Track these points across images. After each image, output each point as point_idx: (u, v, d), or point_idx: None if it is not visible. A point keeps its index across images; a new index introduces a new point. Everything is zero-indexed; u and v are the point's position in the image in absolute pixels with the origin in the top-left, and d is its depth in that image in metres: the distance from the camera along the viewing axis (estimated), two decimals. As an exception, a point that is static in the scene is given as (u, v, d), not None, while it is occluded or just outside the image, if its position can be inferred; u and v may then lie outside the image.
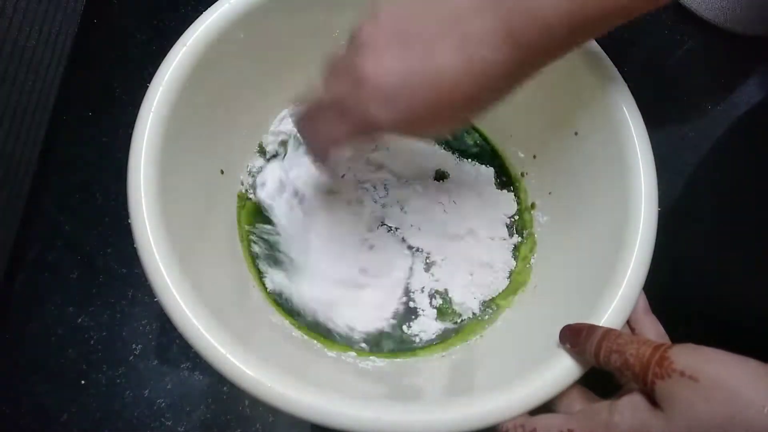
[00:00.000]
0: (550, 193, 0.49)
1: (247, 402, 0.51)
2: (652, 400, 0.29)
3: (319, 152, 0.40)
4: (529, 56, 0.32)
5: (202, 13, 0.41)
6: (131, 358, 0.51)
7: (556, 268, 0.46)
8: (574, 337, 0.34)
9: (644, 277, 0.37)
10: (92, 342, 0.52)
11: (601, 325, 0.35)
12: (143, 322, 0.52)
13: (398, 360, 0.45)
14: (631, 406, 0.30)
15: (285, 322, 0.46)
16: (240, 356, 0.33)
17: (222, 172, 0.46)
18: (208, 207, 0.45)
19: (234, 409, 0.50)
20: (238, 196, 0.49)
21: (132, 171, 0.36)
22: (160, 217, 0.36)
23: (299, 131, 0.41)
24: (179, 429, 0.50)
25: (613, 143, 0.41)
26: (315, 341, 0.45)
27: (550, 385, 0.34)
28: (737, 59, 0.68)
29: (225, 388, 0.51)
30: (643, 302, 0.38)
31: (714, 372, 0.26)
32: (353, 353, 0.45)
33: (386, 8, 0.34)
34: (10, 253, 0.53)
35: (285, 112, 0.51)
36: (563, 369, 0.34)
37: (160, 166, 0.37)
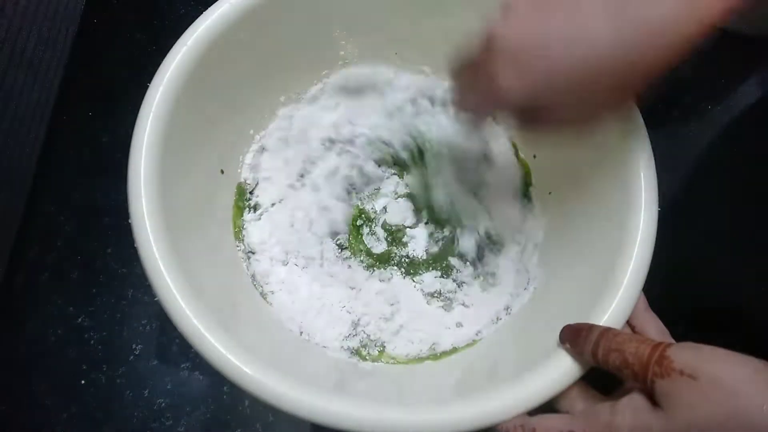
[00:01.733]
0: (550, 193, 0.49)
1: (247, 402, 0.50)
2: (652, 399, 0.29)
3: (466, 120, 0.38)
4: (704, 26, 0.27)
5: (202, 13, 0.41)
6: (131, 358, 0.51)
7: (555, 268, 0.46)
8: (573, 336, 0.34)
9: (644, 278, 0.37)
10: (92, 342, 0.52)
11: (601, 324, 0.35)
12: (143, 322, 0.52)
13: (399, 363, 0.45)
14: (631, 406, 0.29)
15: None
16: (240, 356, 0.33)
17: (222, 171, 0.46)
18: (208, 207, 0.45)
19: (234, 409, 0.50)
20: (237, 189, 0.49)
21: (132, 171, 0.36)
22: (161, 217, 0.36)
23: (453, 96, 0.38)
24: (179, 429, 0.50)
25: (613, 143, 0.41)
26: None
27: (550, 385, 0.34)
28: (737, 59, 0.67)
29: (225, 388, 0.51)
30: (643, 300, 0.38)
31: (713, 370, 0.26)
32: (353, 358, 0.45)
33: None
34: (10, 253, 0.53)
35: (283, 111, 0.51)
36: (563, 369, 0.34)
37: (160, 166, 0.37)
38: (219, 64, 0.41)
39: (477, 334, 0.47)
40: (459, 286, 0.50)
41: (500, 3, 0.31)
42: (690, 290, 0.53)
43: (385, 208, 0.52)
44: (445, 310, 0.49)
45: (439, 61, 0.47)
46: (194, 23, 0.40)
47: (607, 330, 0.33)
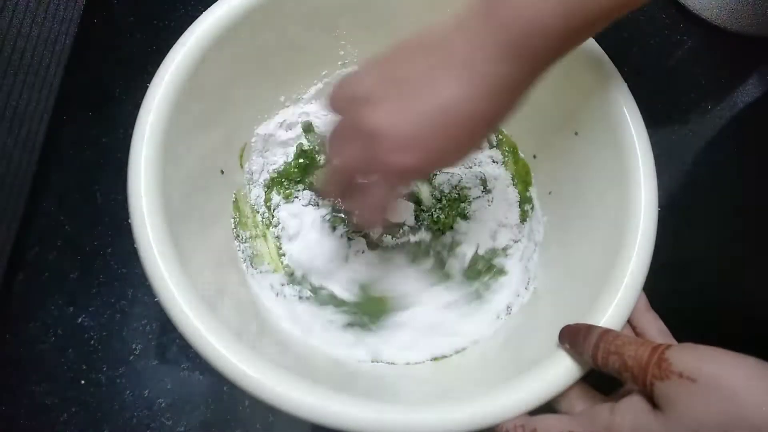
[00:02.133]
0: (550, 192, 0.49)
1: (247, 402, 0.51)
2: (652, 401, 0.29)
3: (371, 222, 0.41)
4: (532, 63, 0.32)
5: (202, 13, 0.41)
6: (131, 358, 0.51)
7: (555, 268, 0.46)
8: (572, 337, 0.34)
9: (644, 278, 0.37)
10: (92, 342, 0.52)
11: (601, 325, 0.35)
12: (143, 322, 0.52)
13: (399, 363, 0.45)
14: (631, 407, 0.30)
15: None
16: (240, 356, 0.33)
17: (222, 172, 0.46)
18: (208, 207, 0.45)
19: (234, 409, 0.50)
20: (235, 194, 0.49)
21: (132, 171, 0.36)
22: (161, 217, 0.36)
23: (346, 211, 0.42)
24: (179, 429, 0.50)
25: (613, 143, 0.41)
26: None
27: (549, 387, 0.34)
28: (737, 59, 0.68)
29: (225, 388, 0.51)
30: (643, 299, 0.38)
31: (712, 372, 0.26)
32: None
33: (371, 62, 0.34)
34: (10, 253, 0.53)
35: (282, 112, 0.51)
36: (563, 370, 0.34)
37: (160, 166, 0.37)
38: (218, 65, 0.41)
39: (476, 335, 0.47)
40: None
41: (345, 96, 0.34)
42: (690, 290, 0.53)
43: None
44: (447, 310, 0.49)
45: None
46: (194, 24, 0.40)
47: (606, 332, 0.33)
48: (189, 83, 0.39)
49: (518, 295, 0.48)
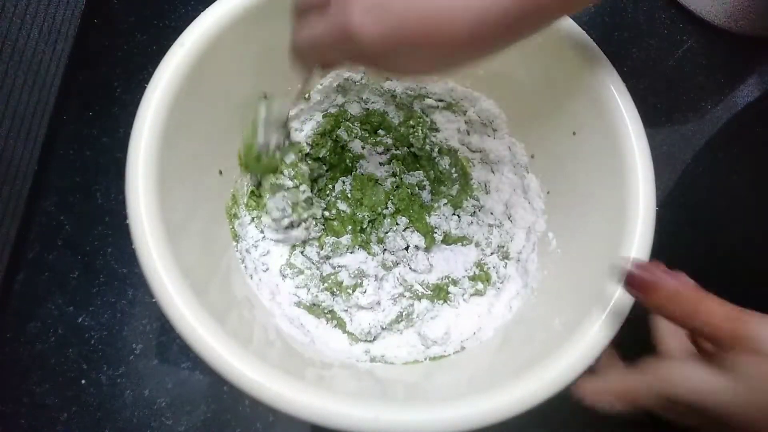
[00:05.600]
0: (548, 192, 0.49)
1: (247, 401, 0.51)
2: (715, 365, 0.30)
3: (298, 55, 0.36)
4: (533, 6, 0.29)
5: (201, 12, 0.41)
6: (131, 357, 0.52)
7: (555, 267, 0.46)
8: (645, 288, 0.33)
9: None
10: (92, 342, 0.52)
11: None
12: (143, 322, 0.53)
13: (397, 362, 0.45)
14: (690, 365, 0.31)
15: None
16: (239, 358, 0.33)
17: (220, 172, 0.46)
18: (206, 208, 0.45)
19: (234, 409, 0.50)
20: (232, 191, 0.49)
21: (130, 173, 0.36)
22: (159, 220, 0.35)
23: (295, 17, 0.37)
24: (179, 428, 0.50)
25: (611, 142, 0.41)
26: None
27: (549, 386, 0.34)
28: (737, 59, 0.68)
29: (225, 388, 0.51)
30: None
31: None
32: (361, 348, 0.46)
33: None
34: (11, 253, 0.53)
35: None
36: (562, 370, 0.34)
37: (158, 167, 0.37)
38: (216, 65, 0.41)
39: (475, 335, 0.47)
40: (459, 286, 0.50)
41: None
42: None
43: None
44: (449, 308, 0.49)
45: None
46: (191, 25, 0.40)
47: (693, 292, 0.32)
48: (187, 85, 0.39)
49: (517, 294, 0.48)
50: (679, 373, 0.31)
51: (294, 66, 0.37)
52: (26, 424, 0.49)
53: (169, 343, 0.52)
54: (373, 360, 0.45)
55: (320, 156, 0.52)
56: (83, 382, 0.51)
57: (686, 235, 0.55)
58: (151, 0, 0.64)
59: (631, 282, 0.33)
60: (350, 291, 0.49)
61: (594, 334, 0.35)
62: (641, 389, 0.32)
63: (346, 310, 0.48)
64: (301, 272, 0.49)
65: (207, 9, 0.41)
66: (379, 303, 0.49)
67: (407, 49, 0.30)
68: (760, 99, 0.65)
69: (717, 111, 0.65)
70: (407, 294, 0.50)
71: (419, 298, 0.50)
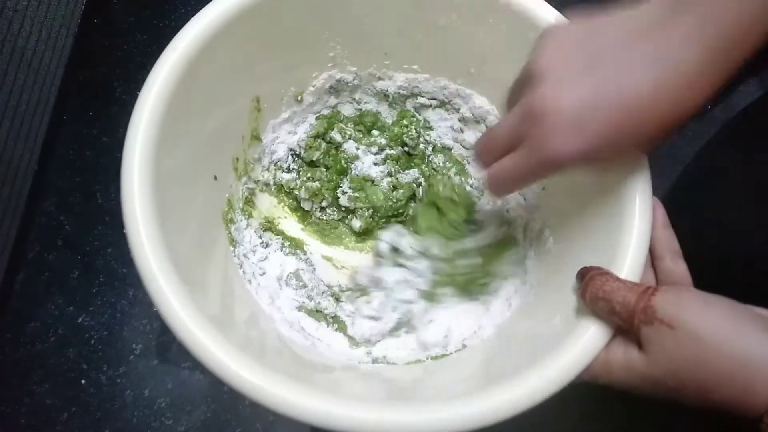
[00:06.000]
0: (543, 188, 0.49)
1: (247, 402, 0.50)
2: (639, 342, 0.31)
3: (498, 188, 0.36)
4: (728, 56, 0.29)
5: (194, 15, 0.41)
6: (131, 357, 0.52)
7: (552, 265, 0.46)
8: (579, 277, 0.35)
9: (643, 265, 0.37)
10: (92, 342, 0.52)
11: (594, 267, 0.36)
12: (143, 322, 0.53)
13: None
14: (623, 344, 0.32)
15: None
16: (238, 360, 0.33)
17: (215, 178, 0.46)
18: (202, 214, 0.44)
19: (234, 409, 0.50)
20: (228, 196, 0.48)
21: (125, 179, 0.36)
22: (155, 222, 0.35)
23: (479, 160, 0.37)
24: (179, 428, 0.50)
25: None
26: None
27: (548, 384, 0.34)
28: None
29: (225, 388, 0.51)
30: (663, 216, 0.38)
31: (687, 319, 0.29)
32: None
33: (559, 33, 0.32)
34: (11, 253, 0.53)
35: (275, 120, 0.51)
36: (561, 369, 0.34)
37: (153, 174, 0.36)
38: (210, 67, 0.41)
39: (475, 333, 0.47)
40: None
41: (528, 72, 0.31)
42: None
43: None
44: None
45: (429, 60, 0.47)
46: (185, 27, 0.40)
47: (593, 276, 0.34)
48: (181, 89, 0.39)
49: (516, 292, 0.48)
50: (598, 359, 0.33)
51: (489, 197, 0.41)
52: (26, 424, 0.49)
53: (169, 343, 0.52)
54: (375, 361, 0.45)
55: (314, 159, 0.52)
56: (83, 382, 0.51)
57: (686, 235, 0.55)
58: (151, 0, 0.65)
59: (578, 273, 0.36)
60: (356, 296, 0.49)
61: (594, 332, 0.35)
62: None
63: (349, 316, 0.48)
64: (305, 285, 0.49)
65: (199, 12, 0.40)
66: (381, 317, 0.49)
67: (614, 149, 0.31)
68: (761, 99, 0.65)
69: (717, 111, 0.65)
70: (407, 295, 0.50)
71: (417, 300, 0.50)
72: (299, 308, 0.47)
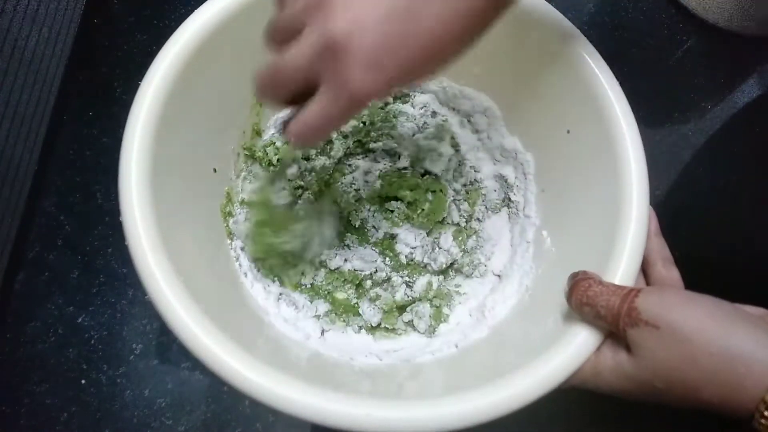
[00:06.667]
0: (543, 190, 0.49)
1: (247, 401, 0.51)
2: (626, 344, 0.32)
3: (303, 139, 0.33)
4: None
5: (194, 11, 0.41)
6: (131, 357, 0.52)
7: (548, 265, 0.46)
8: (568, 283, 0.36)
9: (638, 269, 0.37)
10: (92, 341, 0.52)
11: (582, 273, 0.36)
12: (143, 322, 0.53)
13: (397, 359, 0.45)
14: (612, 347, 0.33)
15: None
16: (239, 359, 0.33)
17: (215, 170, 0.46)
18: (201, 206, 0.45)
19: (234, 409, 0.50)
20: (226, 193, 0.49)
21: (123, 172, 0.36)
22: (153, 218, 0.35)
23: (265, 97, 0.34)
24: (179, 428, 0.50)
25: (604, 139, 0.41)
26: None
27: (548, 383, 0.34)
28: (737, 59, 0.68)
29: (225, 388, 0.51)
30: (654, 223, 0.39)
31: (672, 319, 0.29)
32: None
33: None
34: (11, 253, 0.53)
35: (276, 117, 0.51)
36: (559, 368, 0.34)
37: (151, 166, 0.36)
38: (209, 64, 0.41)
39: (469, 333, 0.47)
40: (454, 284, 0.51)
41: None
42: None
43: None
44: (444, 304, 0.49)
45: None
46: (185, 21, 0.40)
47: (578, 282, 0.35)
48: (180, 84, 0.39)
49: (512, 293, 0.48)
50: (588, 363, 0.33)
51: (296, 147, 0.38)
52: (26, 424, 0.49)
53: (169, 343, 0.52)
54: (368, 357, 0.45)
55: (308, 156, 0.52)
56: (83, 382, 0.51)
57: (686, 235, 0.55)
58: (151, 0, 0.65)
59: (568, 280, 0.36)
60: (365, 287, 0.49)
61: (585, 336, 0.35)
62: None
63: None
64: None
65: (200, 7, 0.41)
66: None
67: (413, 77, 0.30)
68: (760, 99, 0.65)
69: (717, 111, 0.65)
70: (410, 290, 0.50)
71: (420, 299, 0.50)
72: (297, 309, 0.47)
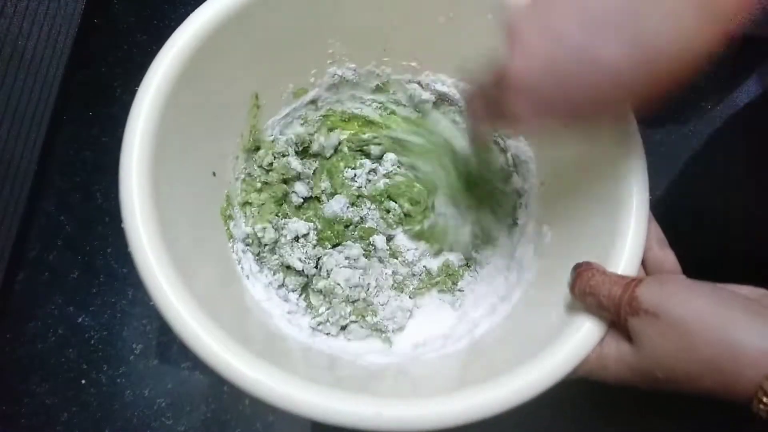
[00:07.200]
0: (542, 183, 0.49)
1: (247, 401, 0.51)
2: (628, 334, 0.31)
3: (472, 130, 0.42)
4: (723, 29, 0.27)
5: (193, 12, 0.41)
6: (131, 357, 0.52)
7: (549, 260, 0.46)
8: (571, 274, 0.36)
9: (640, 260, 0.37)
10: (92, 342, 0.52)
11: (584, 263, 0.36)
12: (143, 322, 0.53)
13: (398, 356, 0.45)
14: (615, 338, 0.33)
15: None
16: (238, 356, 0.33)
17: (214, 174, 0.46)
18: (201, 209, 0.45)
19: (234, 408, 0.50)
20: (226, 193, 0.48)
21: (124, 175, 0.36)
22: (154, 221, 0.35)
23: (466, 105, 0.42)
24: (179, 428, 0.50)
25: (604, 133, 0.41)
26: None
27: (547, 381, 0.34)
28: (737, 59, 0.68)
29: (225, 388, 0.51)
30: (655, 235, 0.38)
31: (672, 308, 0.29)
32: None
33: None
34: (11, 253, 0.53)
35: (275, 117, 0.51)
36: (557, 367, 0.34)
37: (151, 170, 0.36)
38: (209, 64, 0.41)
39: (472, 330, 0.47)
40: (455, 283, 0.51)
41: (505, 26, 0.31)
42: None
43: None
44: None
45: (428, 56, 0.47)
46: (184, 23, 0.40)
47: (581, 273, 0.34)
48: (179, 85, 0.39)
49: (514, 290, 0.48)
50: (593, 354, 0.33)
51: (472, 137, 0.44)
52: (26, 424, 0.49)
53: (169, 343, 0.52)
54: (374, 355, 0.45)
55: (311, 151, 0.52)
56: (83, 382, 0.51)
57: (686, 234, 0.55)
58: (151, 0, 0.65)
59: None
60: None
61: (589, 327, 0.35)
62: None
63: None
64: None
65: (198, 8, 0.40)
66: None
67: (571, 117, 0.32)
68: (761, 99, 0.65)
69: (717, 111, 0.65)
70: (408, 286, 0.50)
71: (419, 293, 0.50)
72: (297, 306, 0.47)
